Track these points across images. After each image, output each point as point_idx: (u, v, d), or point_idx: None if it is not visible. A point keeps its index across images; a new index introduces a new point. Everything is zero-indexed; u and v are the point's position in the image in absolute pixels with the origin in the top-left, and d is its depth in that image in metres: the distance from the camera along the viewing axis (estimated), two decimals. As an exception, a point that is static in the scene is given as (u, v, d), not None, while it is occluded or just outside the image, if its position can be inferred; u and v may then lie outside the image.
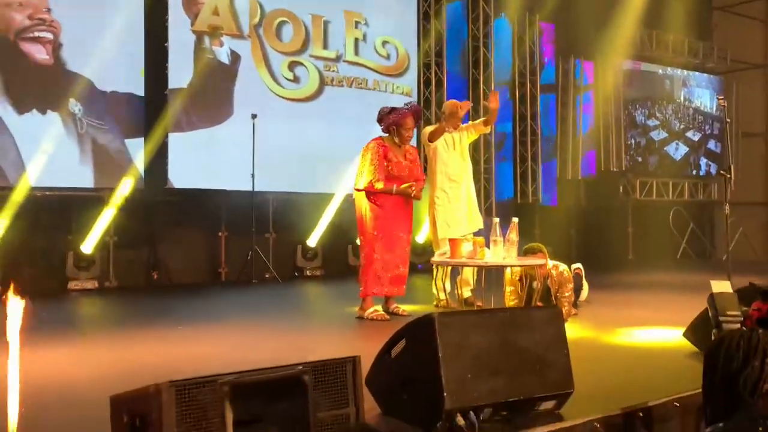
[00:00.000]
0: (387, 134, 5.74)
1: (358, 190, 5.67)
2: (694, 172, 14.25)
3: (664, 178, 13.54)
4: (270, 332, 5.20)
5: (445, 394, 2.65)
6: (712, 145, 14.50)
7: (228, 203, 8.93)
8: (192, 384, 2.08)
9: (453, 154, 6.13)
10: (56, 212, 7.90)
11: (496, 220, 4.86)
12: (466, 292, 6.06)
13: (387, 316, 5.53)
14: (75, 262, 7.87)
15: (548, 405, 2.94)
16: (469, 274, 5.96)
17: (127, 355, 4.29)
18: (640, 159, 13.28)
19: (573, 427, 2.88)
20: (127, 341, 4.76)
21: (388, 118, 5.63)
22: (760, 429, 1.91)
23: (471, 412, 2.71)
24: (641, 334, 4.89)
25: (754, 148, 13.75)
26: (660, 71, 13.61)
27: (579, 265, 6.20)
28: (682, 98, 14.02)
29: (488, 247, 4.92)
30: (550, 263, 5.46)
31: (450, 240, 5.20)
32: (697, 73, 14.16)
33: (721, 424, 1.99)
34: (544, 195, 12.02)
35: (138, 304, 7.23)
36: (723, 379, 2.02)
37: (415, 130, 6.05)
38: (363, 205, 5.62)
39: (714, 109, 14.41)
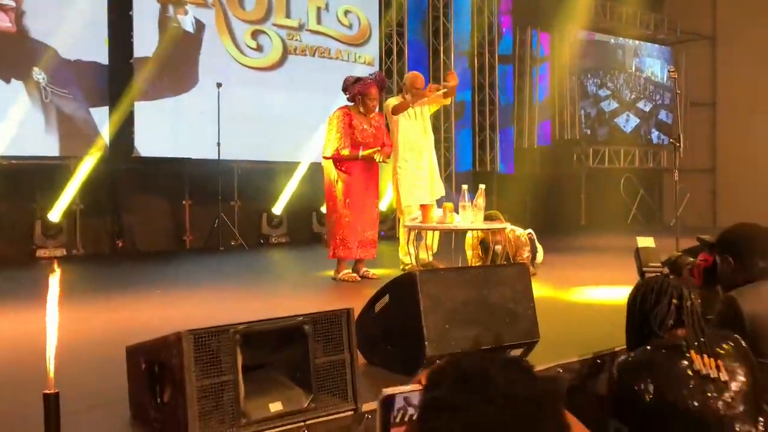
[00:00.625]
0: (352, 103, 5.96)
1: (326, 157, 5.89)
2: (645, 141, 14.80)
3: (616, 146, 14.04)
4: (249, 294, 5.45)
5: (426, 342, 2.96)
6: (663, 115, 15.05)
7: (192, 172, 9.05)
8: (208, 332, 2.32)
9: (415, 125, 6.37)
10: (22, 181, 7.95)
11: (465, 186, 5.17)
12: (429, 257, 6.39)
13: (358, 278, 5.83)
14: (43, 231, 7.95)
15: (516, 352, 3.27)
16: (431, 239, 6.28)
17: (115, 317, 4.49)
18: (589, 131, 13.73)
19: (538, 372, 3.21)
20: (110, 305, 4.95)
21: (353, 87, 5.85)
22: (663, 351, 2.30)
23: (449, 359, 3.02)
24: (595, 291, 5.28)
25: (701, 117, 14.31)
26: (613, 41, 14.04)
27: (530, 230, 6.55)
28: (633, 68, 14.49)
29: (457, 212, 5.23)
30: (508, 228, 5.81)
31: (421, 206, 5.48)
32: (648, 43, 14.64)
33: (632, 354, 2.39)
34: (501, 163, 12.39)
35: (109, 271, 7.37)
36: (639, 316, 2.40)
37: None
38: (331, 172, 5.85)
39: (664, 79, 14.93)
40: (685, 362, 2.27)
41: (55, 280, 2.17)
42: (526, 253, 5.87)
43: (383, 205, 9.81)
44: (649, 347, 2.36)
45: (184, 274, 7.09)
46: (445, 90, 6.40)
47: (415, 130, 6.36)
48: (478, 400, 0.80)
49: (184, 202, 9.15)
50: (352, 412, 2.59)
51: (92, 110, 8.20)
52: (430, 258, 6.33)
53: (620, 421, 2.34)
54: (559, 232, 10.42)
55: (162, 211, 9.12)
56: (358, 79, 5.97)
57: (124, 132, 8.30)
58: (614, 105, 14.14)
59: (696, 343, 2.29)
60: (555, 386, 0.84)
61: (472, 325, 3.09)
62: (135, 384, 2.53)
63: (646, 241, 4.66)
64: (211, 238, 8.99)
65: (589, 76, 13.64)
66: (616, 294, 5.13)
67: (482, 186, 5.17)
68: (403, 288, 3.06)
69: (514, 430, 0.78)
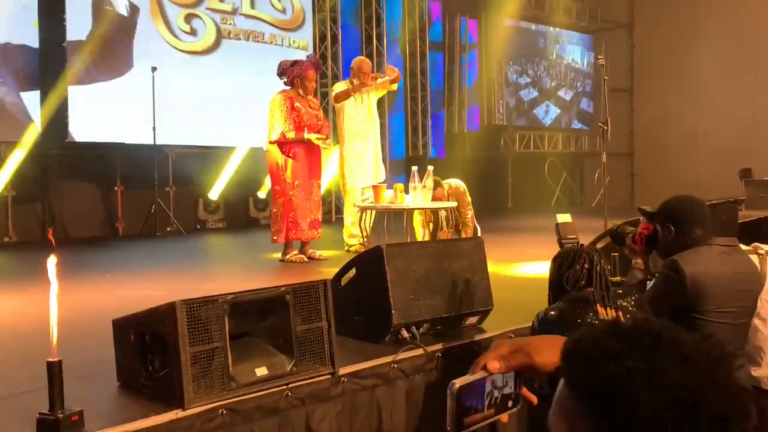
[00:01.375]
0: (290, 87, 6.06)
1: (272, 142, 5.96)
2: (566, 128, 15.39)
3: (540, 131, 14.56)
4: (202, 276, 5.53)
5: (393, 311, 3.17)
6: (584, 103, 15.66)
7: (125, 157, 8.97)
8: (198, 302, 2.46)
9: (361, 109, 6.57)
10: (-50, 167, 7.75)
11: (415, 168, 5.39)
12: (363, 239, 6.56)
13: (305, 259, 5.98)
14: (-27, 218, 7.77)
15: (473, 320, 3.52)
16: (367, 221, 6.39)
17: (71, 300, 4.51)
18: (515, 117, 14.20)
19: (493, 337, 3.47)
20: (68, 288, 4.94)
21: (291, 70, 5.97)
22: (575, 304, 2.77)
23: (413, 327, 3.24)
24: (531, 266, 5.61)
25: (619, 103, 14.98)
26: (536, 29, 14.52)
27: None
28: (555, 56, 15.03)
29: (407, 192, 5.45)
30: (445, 183, 6.16)
31: (373, 186, 5.69)
32: (570, 32, 15.20)
33: (550, 308, 2.88)
34: (433, 148, 12.70)
35: (47, 257, 7.27)
36: (557, 277, 2.91)
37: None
38: (278, 156, 5.95)
39: (585, 65, 15.55)
40: (592, 313, 2.73)
41: (52, 261, 2.28)
42: (467, 207, 6.25)
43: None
44: (562, 302, 2.84)
45: (125, 259, 7.07)
46: (389, 78, 6.62)
47: (360, 116, 6.55)
48: (678, 361, 0.78)
49: (115, 188, 9.07)
50: (330, 376, 2.77)
51: (23, 95, 8.03)
52: (363, 239, 6.53)
53: None
54: (488, 213, 10.78)
55: (93, 197, 9.01)
56: (294, 62, 6.10)
57: (58, 117, 8.17)
58: (535, 94, 14.64)
59: (602, 298, 2.77)
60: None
61: (434, 294, 3.32)
62: (124, 354, 2.64)
63: (564, 217, 5.63)
64: (146, 224, 8.95)
65: (513, 63, 14.09)
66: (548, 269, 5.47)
67: (430, 167, 5.41)
68: (370, 261, 3.26)
69: (707, 388, 0.76)
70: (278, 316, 2.69)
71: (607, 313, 2.74)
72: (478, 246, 3.53)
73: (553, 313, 2.82)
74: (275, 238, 6.02)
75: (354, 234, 6.54)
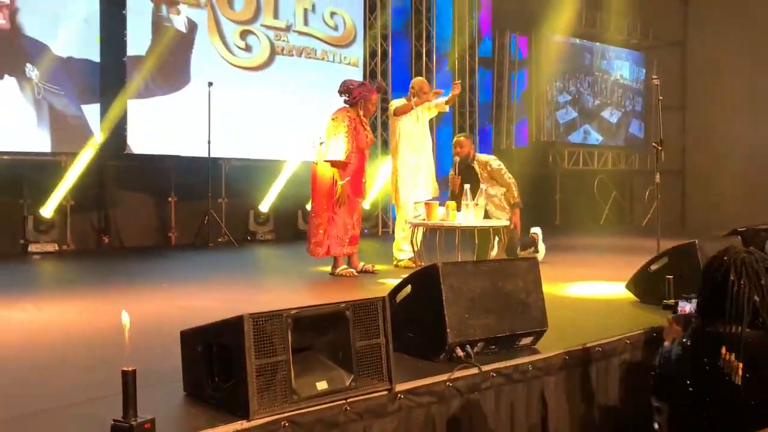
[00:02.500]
0: (351, 106, 6.16)
1: (334, 161, 5.94)
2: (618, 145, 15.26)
3: (590, 148, 14.46)
4: (255, 288, 5.67)
5: (448, 330, 3.22)
6: (635, 124, 15.50)
7: (179, 169, 9.20)
8: (264, 316, 2.55)
9: (417, 127, 6.72)
10: (14, 177, 8.05)
11: (467, 186, 5.45)
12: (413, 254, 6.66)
13: (355, 273, 6.06)
14: (34, 226, 8.04)
15: (527, 340, 3.55)
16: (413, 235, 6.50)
17: (133, 309, 4.66)
18: (567, 132, 14.12)
19: (547, 359, 3.49)
20: (124, 297, 5.13)
21: (357, 90, 6.06)
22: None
23: (467, 345, 3.28)
24: (587, 287, 5.59)
25: (670, 121, 14.78)
26: (588, 46, 14.45)
27: (537, 230, 6.92)
28: (607, 73, 14.92)
29: (459, 210, 5.50)
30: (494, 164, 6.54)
31: (425, 204, 5.76)
32: (621, 48, 15.09)
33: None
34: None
35: (105, 265, 7.50)
36: (715, 291, 2.45)
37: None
38: (333, 172, 6.00)
39: (635, 82, 15.41)
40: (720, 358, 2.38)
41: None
42: (504, 186, 6.52)
43: (366, 204, 10.08)
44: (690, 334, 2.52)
45: (180, 269, 7.25)
46: (446, 98, 6.79)
47: (416, 132, 6.68)
48: None
49: (169, 198, 9.29)
50: (387, 392, 2.84)
51: (84, 107, 8.31)
52: (414, 256, 6.60)
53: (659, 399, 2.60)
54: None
55: (148, 207, 9.25)
56: (361, 84, 6.21)
57: (117, 129, 8.43)
58: (593, 105, 14.55)
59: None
60: None
61: (489, 314, 3.36)
62: (190, 364, 2.74)
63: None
64: (198, 235, 9.15)
65: (566, 81, 14.03)
66: (609, 288, 5.46)
67: (483, 186, 5.46)
68: (426, 280, 3.31)
69: None
70: (338, 332, 2.77)
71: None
72: (533, 266, 3.57)
73: (678, 351, 2.51)
74: (317, 250, 6.05)
75: (403, 249, 6.63)
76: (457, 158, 6.70)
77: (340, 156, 5.88)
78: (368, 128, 6.28)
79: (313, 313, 2.71)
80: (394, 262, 6.67)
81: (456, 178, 6.54)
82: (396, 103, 6.76)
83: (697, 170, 14.86)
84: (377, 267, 6.37)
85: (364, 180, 6.30)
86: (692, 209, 14.81)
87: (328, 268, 6.26)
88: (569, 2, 12.86)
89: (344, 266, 6.08)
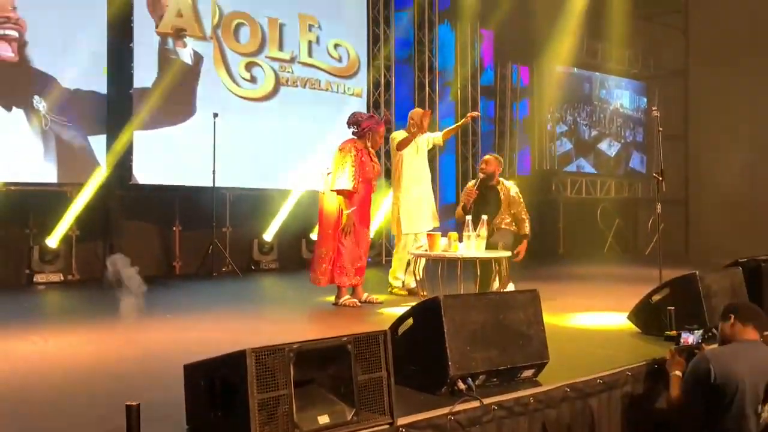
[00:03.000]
0: (359, 137, 6.23)
1: (340, 191, 6.00)
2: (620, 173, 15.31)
3: (592, 176, 14.51)
4: (259, 319, 5.69)
5: (449, 363, 3.24)
6: (635, 160, 15.55)
7: (184, 198, 9.25)
8: (266, 351, 2.58)
9: (417, 159, 6.83)
10: (20, 207, 8.09)
11: (468, 217, 5.49)
12: (412, 282, 6.72)
13: (358, 303, 6.09)
14: (40, 256, 8.09)
15: (528, 373, 3.56)
16: (415, 266, 6.54)
17: (137, 340, 4.70)
18: (569, 160, 14.19)
19: (548, 391, 3.50)
20: (128, 328, 5.16)
21: (367, 123, 6.15)
22: None
23: (469, 378, 3.30)
24: (589, 317, 5.60)
25: (673, 150, 14.85)
26: (588, 76, 14.56)
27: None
28: (607, 102, 15.02)
29: (461, 241, 5.54)
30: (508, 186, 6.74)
31: (427, 234, 5.81)
32: (622, 78, 15.21)
33: None
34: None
35: (109, 296, 7.51)
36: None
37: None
38: (340, 202, 6.04)
39: (636, 112, 15.50)
40: None
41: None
42: (519, 210, 6.75)
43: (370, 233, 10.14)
44: None
45: (184, 299, 7.27)
46: (446, 130, 7.09)
47: (417, 163, 6.78)
48: None
49: (174, 228, 9.34)
50: (388, 426, 2.85)
51: (90, 138, 8.39)
52: (414, 284, 6.65)
53: None
54: (537, 260, 10.75)
55: (152, 237, 9.29)
56: (370, 116, 6.31)
57: (123, 160, 8.50)
58: (593, 136, 14.62)
59: None
60: None
61: (490, 346, 3.38)
62: (193, 398, 2.76)
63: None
64: (203, 264, 9.18)
65: (567, 110, 14.12)
66: (611, 319, 5.47)
67: (484, 216, 5.50)
68: (428, 312, 3.34)
69: None
70: (340, 365, 2.79)
71: None
72: (534, 298, 3.59)
73: None
74: (319, 278, 6.10)
75: (398, 277, 6.79)
76: (481, 175, 6.81)
77: (348, 185, 5.95)
78: (375, 159, 6.37)
79: (315, 347, 2.73)
80: (389, 289, 6.80)
81: (473, 191, 6.64)
82: (397, 136, 6.85)
83: (700, 199, 14.89)
84: (380, 298, 6.40)
85: (369, 210, 6.36)
86: (695, 238, 14.82)
87: (332, 298, 6.29)
88: (570, 33, 13.01)
89: (347, 296, 6.11)
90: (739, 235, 13.01)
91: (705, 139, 14.78)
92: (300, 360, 2.66)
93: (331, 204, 6.11)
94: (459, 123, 7.49)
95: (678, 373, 3.61)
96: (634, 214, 15.33)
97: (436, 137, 7.15)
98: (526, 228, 6.71)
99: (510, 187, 6.82)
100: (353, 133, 6.24)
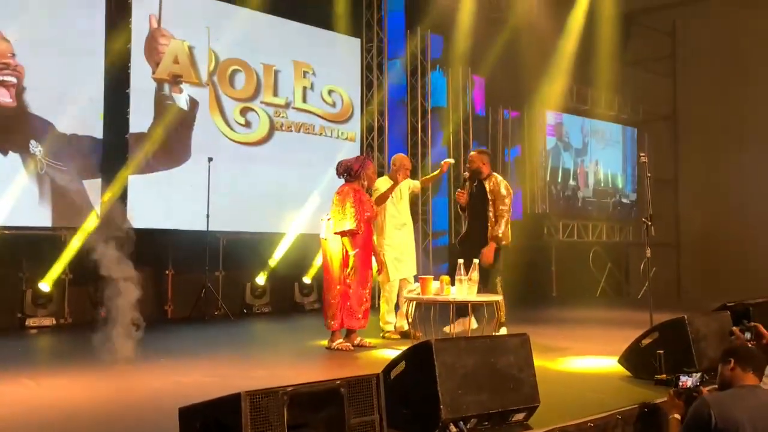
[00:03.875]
0: (353, 180, 6.32)
1: (344, 233, 6.07)
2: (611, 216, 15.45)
3: (584, 220, 14.65)
4: (251, 363, 5.70)
5: (441, 406, 3.29)
6: (626, 205, 15.72)
7: (177, 242, 9.29)
8: (260, 394, 2.63)
9: (400, 204, 6.96)
10: (14, 250, 8.12)
11: (461, 261, 5.57)
12: (405, 325, 6.76)
13: (351, 347, 6.13)
14: (33, 300, 8.10)
15: (519, 416, 3.61)
16: (405, 308, 6.58)
17: (131, 384, 4.72)
18: (560, 203, 14.33)
19: (540, 434, 3.55)
20: (121, 372, 5.18)
21: (357, 165, 6.27)
22: None
23: (461, 422, 3.34)
24: (579, 361, 5.65)
25: (663, 193, 15.03)
26: (578, 121, 14.80)
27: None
28: (598, 146, 15.24)
29: (452, 285, 5.61)
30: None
31: (420, 278, 5.87)
32: (611, 123, 15.45)
33: None
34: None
35: (102, 340, 7.51)
36: None
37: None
38: (345, 245, 6.09)
39: (627, 160, 15.73)
40: None
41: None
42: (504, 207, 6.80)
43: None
44: None
45: (176, 343, 7.28)
46: (426, 178, 7.40)
47: (400, 209, 6.92)
48: None
49: (166, 271, 9.36)
50: (381, 469, 2.89)
51: (85, 182, 8.47)
52: (407, 327, 6.68)
53: None
54: (531, 303, 10.83)
55: (145, 280, 9.28)
56: (356, 158, 6.44)
57: (118, 204, 8.56)
58: (575, 183, 14.79)
59: None
60: None
61: (482, 390, 3.43)
62: (188, 442, 2.80)
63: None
64: (195, 308, 9.19)
65: (557, 154, 14.31)
66: (601, 363, 5.52)
67: (476, 260, 5.58)
68: (420, 355, 3.40)
69: None
70: (333, 409, 2.85)
71: None
72: (525, 342, 3.66)
73: None
74: (331, 323, 6.13)
75: (388, 321, 6.91)
76: (466, 173, 6.97)
77: (351, 226, 6.03)
78: (369, 198, 6.48)
79: (308, 390, 2.79)
80: (381, 334, 6.87)
81: (462, 193, 6.91)
82: (380, 185, 6.94)
83: (692, 242, 15.03)
84: (373, 341, 6.44)
85: (372, 251, 6.43)
86: (687, 281, 14.92)
87: (324, 342, 6.33)
88: (560, 79, 13.27)
89: (340, 340, 6.14)
90: (731, 278, 13.12)
91: (695, 183, 14.99)
92: (294, 403, 2.71)
93: (334, 249, 6.15)
94: (435, 173, 7.50)
95: (677, 416, 3.65)
96: (626, 258, 15.43)
97: (416, 183, 7.31)
98: (497, 229, 6.71)
99: (500, 182, 6.93)
100: (346, 180, 6.34)
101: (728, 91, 14.19)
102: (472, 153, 7.17)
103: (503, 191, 6.79)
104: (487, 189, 6.81)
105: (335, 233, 6.11)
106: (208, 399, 2.79)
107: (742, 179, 14.31)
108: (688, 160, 15.18)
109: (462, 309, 6.35)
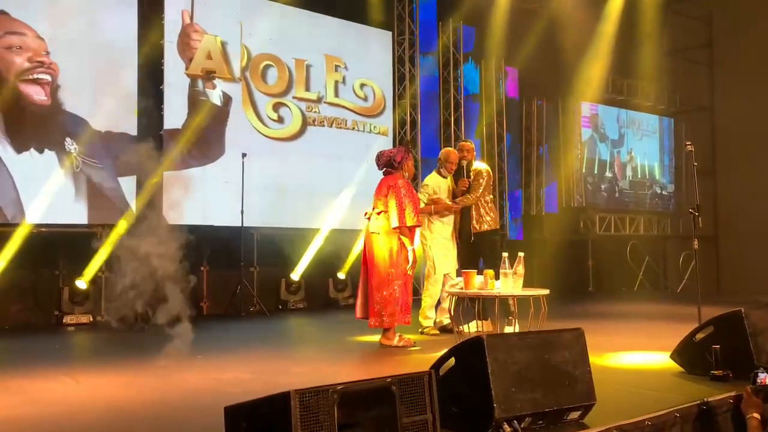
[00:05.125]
0: (395, 172, 6.14)
1: (411, 226, 5.92)
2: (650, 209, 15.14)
3: (621, 213, 14.36)
4: (290, 360, 5.60)
5: (494, 404, 3.13)
6: (663, 198, 15.39)
7: (212, 238, 9.23)
8: (310, 392, 2.51)
9: (444, 197, 6.80)
10: (51, 248, 8.14)
11: (505, 254, 5.41)
12: (446, 320, 6.66)
13: (413, 343, 5.99)
14: (70, 297, 8.09)
15: (575, 415, 3.44)
16: (447, 303, 6.45)
17: (172, 381, 4.64)
18: (597, 196, 14.06)
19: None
20: (159, 370, 5.10)
21: (399, 156, 6.12)
22: None
23: (515, 421, 3.19)
24: (630, 357, 5.46)
25: (701, 186, 14.63)
26: (615, 112, 14.50)
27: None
28: (634, 138, 14.93)
29: (497, 279, 5.45)
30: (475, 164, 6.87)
31: (464, 272, 5.70)
32: (649, 114, 15.12)
33: None
34: (511, 229, 12.67)
35: (138, 337, 7.47)
36: None
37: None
38: (387, 242, 5.94)
39: (665, 151, 15.38)
40: None
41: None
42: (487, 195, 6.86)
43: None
44: None
45: (213, 340, 7.21)
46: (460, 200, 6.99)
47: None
48: None
49: (202, 268, 9.32)
50: (434, 470, 2.75)
51: (121, 180, 8.44)
52: (447, 321, 6.58)
53: None
54: (568, 298, 10.61)
55: (180, 277, 9.25)
56: (397, 150, 6.26)
57: (153, 201, 8.53)
58: (612, 175, 14.50)
59: None
60: None
61: (535, 387, 3.27)
62: (235, 442, 2.68)
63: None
64: (231, 304, 9.13)
65: (594, 145, 14.04)
66: (653, 358, 5.32)
67: (521, 254, 5.41)
68: (471, 352, 3.25)
69: None
70: (384, 407, 2.71)
71: None
72: (579, 337, 3.49)
73: None
74: (385, 320, 5.91)
75: (428, 316, 6.75)
76: (464, 162, 6.94)
77: (413, 221, 5.91)
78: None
79: (359, 388, 2.66)
80: (420, 329, 6.73)
81: (464, 180, 6.85)
82: (429, 181, 6.91)
83: (730, 236, 14.65)
84: (412, 337, 6.29)
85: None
86: (726, 275, 14.55)
87: (361, 338, 6.26)
88: (596, 69, 13.00)
89: (398, 335, 6.03)
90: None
91: (734, 175, 14.61)
92: (344, 402, 2.59)
93: (384, 244, 5.97)
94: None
95: (756, 415, 3.45)
96: (663, 252, 15.11)
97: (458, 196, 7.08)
98: (470, 197, 6.83)
99: (480, 167, 6.97)
100: (389, 171, 6.17)
101: (766, 80, 13.79)
102: (468, 143, 7.17)
103: (484, 172, 6.92)
104: (472, 175, 6.91)
105: (395, 228, 5.90)
106: (251, 398, 2.67)
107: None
108: (726, 151, 14.80)
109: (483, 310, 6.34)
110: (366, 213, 6.18)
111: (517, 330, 5.66)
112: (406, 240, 5.90)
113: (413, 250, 5.92)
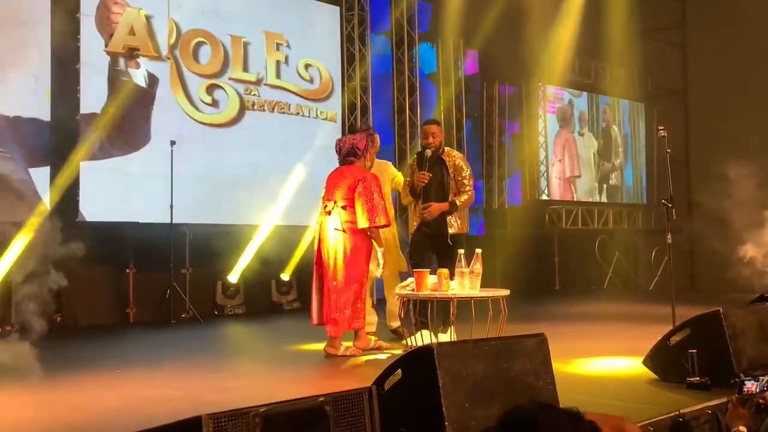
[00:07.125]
0: (357, 161, 5.91)
1: (378, 227, 5.73)
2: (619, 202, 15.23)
3: (589, 206, 14.39)
4: (224, 372, 5.41)
5: (446, 423, 2.96)
6: (629, 177, 15.50)
7: (138, 237, 8.95)
8: (227, 416, 2.30)
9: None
10: (-52, 249, 7.76)
11: (461, 251, 5.25)
12: (395, 323, 6.49)
13: (362, 351, 5.78)
14: (-32, 305, 7.73)
15: (537, 431, 3.30)
16: (395, 306, 6.21)
17: (79, 400, 4.39)
18: (564, 188, 14.07)
19: None
20: (75, 386, 4.87)
21: (362, 142, 5.89)
22: None
23: (469, 440, 3.02)
24: (598, 363, 5.36)
25: (674, 174, 14.76)
26: (582, 97, 14.53)
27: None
28: (604, 124, 14.99)
29: (452, 278, 5.29)
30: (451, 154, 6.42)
31: (415, 272, 5.51)
32: (618, 99, 15.20)
33: None
34: (471, 225, 12.58)
35: (57, 349, 7.16)
36: None
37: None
38: (360, 239, 5.74)
39: (637, 136, 15.48)
40: None
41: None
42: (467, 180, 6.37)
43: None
44: None
45: (138, 351, 6.96)
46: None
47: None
48: None
49: (127, 270, 9.02)
50: (376, 502, 2.58)
51: (32, 171, 8.09)
52: (397, 324, 6.45)
53: None
54: (531, 297, 10.56)
55: (103, 281, 8.96)
56: (361, 136, 6.00)
57: (68, 195, 8.21)
58: (588, 162, 14.55)
59: None
60: None
61: (493, 401, 3.11)
62: (139, 476, 2.47)
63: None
64: (160, 310, 8.87)
65: (560, 133, 14.04)
66: (624, 364, 5.23)
67: (478, 250, 5.25)
68: (419, 364, 3.07)
69: None
70: (317, 430, 2.52)
71: None
72: (542, 344, 3.35)
73: None
74: (354, 323, 5.75)
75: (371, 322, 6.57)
76: (429, 151, 6.32)
77: (383, 221, 5.70)
78: None
79: (286, 410, 2.47)
80: (391, 329, 6.59)
81: (425, 174, 6.22)
82: (400, 178, 6.77)
83: (705, 228, 14.79)
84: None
85: None
86: (701, 269, 14.70)
87: (307, 346, 6.08)
88: (562, 51, 12.98)
89: (375, 338, 5.94)
90: (747, 267, 12.91)
91: (706, 163, 14.74)
92: (268, 426, 2.40)
93: (368, 241, 5.79)
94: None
95: (743, 428, 3.34)
96: (634, 246, 15.20)
97: (398, 176, 6.83)
98: (460, 198, 6.25)
99: (457, 155, 6.53)
100: (351, 160, 5.90)
101: (742, 60, 13.93)
102: (431, 126, 6.51)
103: (463, 164, 6.38)
104: (447, 164, 6.30)
105: (369, 227, 5.67)
106: (177, 418, 2.46)
107: (760, 158, 14.07)
108: (700, 137, 14.94)
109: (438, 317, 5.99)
110: (325, 206, 5.86)
111: (454, 338, 5.48)
112: (375, 241, 5.76)
113: (382, 252, 5.78)
